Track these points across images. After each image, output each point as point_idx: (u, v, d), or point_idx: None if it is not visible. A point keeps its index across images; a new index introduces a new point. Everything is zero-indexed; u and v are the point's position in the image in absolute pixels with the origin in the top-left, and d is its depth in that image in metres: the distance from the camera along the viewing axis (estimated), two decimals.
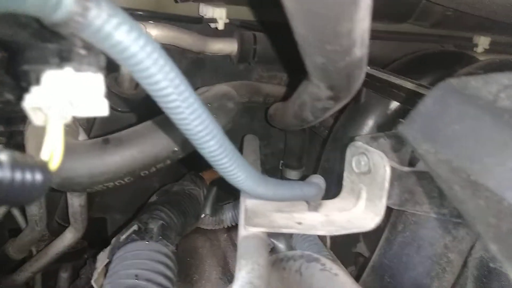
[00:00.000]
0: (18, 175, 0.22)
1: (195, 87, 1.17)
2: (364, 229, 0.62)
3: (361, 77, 0.55)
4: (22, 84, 0.27)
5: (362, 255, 1.08)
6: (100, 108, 0.28)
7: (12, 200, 0.23)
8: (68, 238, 1.09)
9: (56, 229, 1.13)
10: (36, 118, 0.27)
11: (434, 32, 1.40)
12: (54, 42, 0.26)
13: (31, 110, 0.25)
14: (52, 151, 0.26)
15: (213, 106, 0.72)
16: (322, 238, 0.88)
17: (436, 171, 0.35)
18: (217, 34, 1.17)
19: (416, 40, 1.40)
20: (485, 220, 0.29)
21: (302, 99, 0.69)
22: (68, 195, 0.99)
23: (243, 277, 0.49)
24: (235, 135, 1.33)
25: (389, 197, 0.62)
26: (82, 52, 0.26)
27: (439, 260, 0.73)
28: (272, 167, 1.56)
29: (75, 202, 1.00)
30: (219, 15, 1.11)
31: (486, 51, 1.49)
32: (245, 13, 1.20)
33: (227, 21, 1.12)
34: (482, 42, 1.46)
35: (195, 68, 1.28)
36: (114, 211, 1.30)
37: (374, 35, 1.35)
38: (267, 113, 1.19)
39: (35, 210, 1.04)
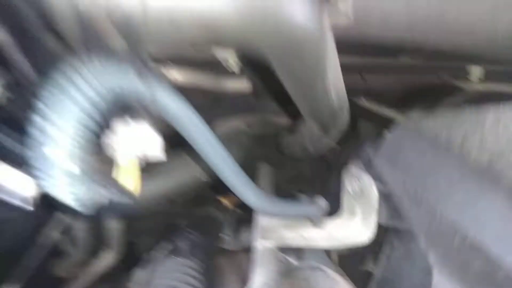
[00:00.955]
0: (124, 199, 0.37)
1: (214, 121, 1.33)
2: (359, 243, 0.74)
3: (345, 116, 0.69)
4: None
5: (371, 272, 1.18)
6: (158, 149, 0.43)
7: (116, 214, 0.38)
8: (106, 259, 1.23)
9: (97, 251, 1.28)
10: (120, 159, 0.42)
11: (429, 64, 1.52)
12: (126, 107, 0.41)
13: (118, 155, 0.40)
14: (134, 182, 0.41)
15: (230, 142, 0.87)
16: (329, 254, 0.99)
17: (394, 189, 0.49)
18: (232, 74, 1.34)
19: (413, 72, 1.53)
20: (421, 223, 0.42)
21: (303, 134, 0.83)
22: (108, 220, 1.14)
23: (259, 280, 0.62)
24: (251, 164, 1.48)
25: (379, 215, 0.74)
26: (143, 113, 0.42)
27: (431, 271, 0.84)
28: (285, 193, 1.69)
29: (114, 227, 1.15)
30: (233, 58, 1.27)
31: (481, 80, 1.59)
32: (257, 55, 1.36)
33: (241, 63, 1.28)
34: (476, 71, 1.57)
35: (214, 105, 1.45)
36: (144, 234, 1.45)
37: (372, 68, 1.49)
38: (278, 143, 1.33)
39: (81, 233, 1.19)
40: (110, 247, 1.22)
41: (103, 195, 0.36)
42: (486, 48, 1.20)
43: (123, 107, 0.42)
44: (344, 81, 0.90)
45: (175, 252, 0.94)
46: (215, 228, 1.13)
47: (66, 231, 1.24)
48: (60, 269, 1.27)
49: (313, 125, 0.67)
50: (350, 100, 1.03)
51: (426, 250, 0.41)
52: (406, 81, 1.44)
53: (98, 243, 1.28)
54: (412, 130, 0.52)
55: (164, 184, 0.77)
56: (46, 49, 0.33)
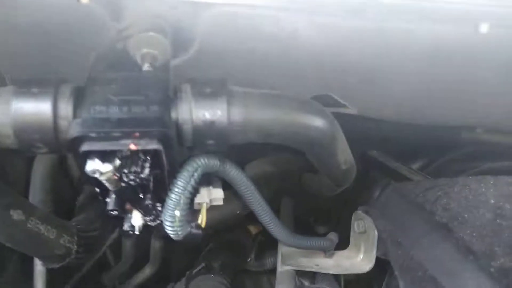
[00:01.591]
0: (195, 231, 0.59)
1: (244, 159, 1.55)
2: (361, 271, 0.93)
3: (352, 175, 0.89)
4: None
5: None
6: (220, 201, 0.65)
7: (190, 242, 0.60)
8: (147, 272, 1.44)
9: (138, 265, 1.50)
10: (196, 206, 0.64)
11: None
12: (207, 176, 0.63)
13: (197, 204, 0.62)
14: (203, 219, 0.63)
15: (261, 183, 1.09)
16: (338, 279, 1.18)
17: (382, 237, 0.68)
18: None
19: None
20: (397, 260, 0.62)
21: (318, 181, 1.04)
22: (152, 239, 1.36)
23: None
24: (277, 196, 1.68)
25: (378, 250, 0.93)
26: (216, 179, 0.64)
27: None
28: (304, 224, 1.88)
29: (157, 244, 1.37)
30: None
31: (487, 130, 1.76)
32: None
33: None
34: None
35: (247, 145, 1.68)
36: (177, 252, 1.66)
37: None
38: (300, 180, 1.54)
39: (129, 247, 1.41)
40: (151, 262, 1.43)
41: (189, 228, 0.58)
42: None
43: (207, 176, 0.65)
44: (360, 132, 1.11)
45: (207, 269, 1.14)
46: (242, 251, 1.33)
47: (114, 246, 1.47)
48: (105, 279, 1.49)
49: (327, 180, 0.88)
50: (363, 152, 1.24)
51: (398, 280, 0.60)
52: (415, 135, 1.63)
53: (141, 258, 1.50)
54: (398, 191, 0.72)
55: (213, 217, 0.99)
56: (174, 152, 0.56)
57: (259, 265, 1.35)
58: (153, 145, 0.50)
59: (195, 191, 0.62)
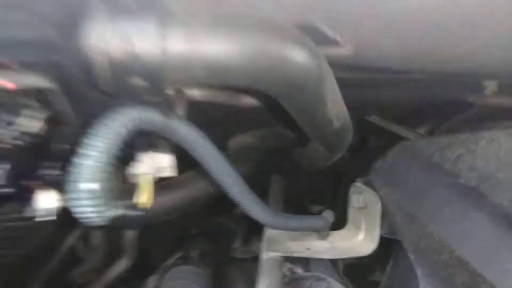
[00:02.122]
0: (131, 212, 0.42)
1: (229, 135, 1.38)
2: (362, 254, 0.76)
3: (349, 137, 0.72)
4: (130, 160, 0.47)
5: (377, 282, 1.19)
6: (172, 172, 0.48)
7: (129, 225, 0.43)
8: (121, 265, 1.28)
9: (112, 258, 1.34)
10: (133, 177, 0.47)
11: (442, 78, 1.53)
12: (148, 137, 0.46)
13: (136, 174, 0.45)
14: (148, 198, 0.46)
15: (240, 159, 0.92)
16: (335, 264, 1.02)
17: (388, 207, 0.52)
18: (247, 90, 1.39)
19: (427, 87, 1.55)
20: (411, 239, 0.45)
21: (311, 151, 0.87)
22: (124, 228, 1.20)
23: None
24: (267, 174, 1.52)
25: (382, 227, 0.76)
26: (162, 142, 0.46)
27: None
28: (298, 204, 1.72)
29: (129, 235, 1.21)
30: None
31: (495, 93, 1.60)
32: None
33: None
34: (490, 85, 1.58)
35: (229, 119, 1.50)
36: (158, 242, 1.50)
37: (385, 84, 1.51)
38: (291, 155, 1.37)
39: (98, 241, 1.25)
40: (125, 255, 1.27)
41: (118, 208, 0.41)
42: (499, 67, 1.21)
43: (146, 138, 0.47)
44: (357, 98, 0.94)
45: (185, 260, 0.98)
46: (226, 237, 1.17)
47: (84, 238, 1.30)
48: (77, 275, 1.33)
49: (319, 145, 0.71)
50: (361, 118, 1.07)
51: (414, 264, 0.44)
52: (419, 96, 1.46)
53: (114, 250, 1.34)
54: (408, 152, 0.55)
55: (176, 197, 0.82)
56: (84, 96, 0.38)
57: (246, 252, 1.20)
58: (42, 82, 0.32)
59: (128, 157, 0.45)
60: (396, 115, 1.23)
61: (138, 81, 0.39)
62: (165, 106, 0.44)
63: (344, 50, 0.62)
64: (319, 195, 1.61)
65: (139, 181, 0.46)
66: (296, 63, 0.43)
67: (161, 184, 0.82)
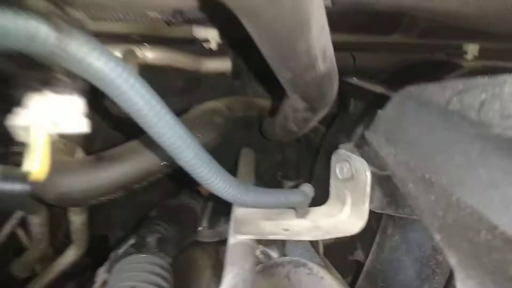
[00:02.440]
0: (9, 186, 0.26)
1: (192, 104, 1.21)
2: (349, 233, 0.64)
3: (334, 89, 0.58)
4: (9, 107, 0.30)
5: (360, 262, 1.09)
6: (81, 125, 0.31)
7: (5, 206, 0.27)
8: (70, 255, 1.12)
9: (59, 247, 1.16)
10: (23, 136, 0.30)
11: (423, 42, 1.43)
12: (37, 70, 0.30)
13: (15, 128, 0.29)
14: (41, 164, 0.30)
15: (201, 121, 0.76)
16: (315, 245, 0.90)
17: (395, 171, 0.38)
18: (211, 53, 1.22)
19: (407, 51, 1.44)
20: (433, 213, 0.32)
21: (285, 112, 0.73)
22: (70, 213, 1.03)
23: (228, 282, 0.52)
24: (234, 148, 1.37)
25: (372, 201, 0.64)
26: (63, 78, 0.30)
27: (428, 262, 0.75)
28: (270, 180, 1.59)
29: (77, 220, 1.03)
30: (211, 35, 1.15)
31: (476, 58, 1.52)
32: (238, 31, 1.25)
33: (220, 41, 1.17)
34: (471, 49, 1.49)
35: (191, 86, 1.33)
36: (116, 228, 1.33)
37: (364, 47, 1.40)
38: (261, 127, 1.23)
39: (38, 228, 1.07)
40: (74, 243, 1.10)
41: None
42: (481, 25, 1.11)
43: (33, 71, 0.30)
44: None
45: (139, 247, 0.82)
46: (190, 219, 1.02)
47: (23, 226, 1.12)
48: (18, 267, 1.15)
49: (297, 100, 0.56)
50: (340, 80, 0.93)
51: (444, 248, 0.31)
52: (398, 59, 1.35)
53: (60, 237, 1.16)
54: (415, 99, 0.42)
55: (124, 171, 0.66)
56: None
57: (214, 235, 1.05)
58: None
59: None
60: (377, 80, 1.11)
61: None
62: (58, 12, 0.27)
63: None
64: (293, 169, 1.48)
65: (25, 139, 0.30)
66: None
67: (97, 156, 0.66)
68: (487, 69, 1.14)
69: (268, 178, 1.60)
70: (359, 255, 1.10)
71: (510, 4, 0.90)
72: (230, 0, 0.33)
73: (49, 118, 0.30)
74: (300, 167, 1.46)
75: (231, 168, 1.38)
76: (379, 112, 0.45)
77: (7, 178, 0.26)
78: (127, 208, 1.30)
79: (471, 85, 0.43)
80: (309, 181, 1.18)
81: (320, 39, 0.40)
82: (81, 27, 0.32)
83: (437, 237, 0.31)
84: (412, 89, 0.44)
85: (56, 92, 0.30)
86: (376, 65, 1.41)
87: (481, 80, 0.44)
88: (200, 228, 1.06)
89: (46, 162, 0.30)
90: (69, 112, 0.30)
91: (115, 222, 1.32)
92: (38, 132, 0.30)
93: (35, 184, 0.28)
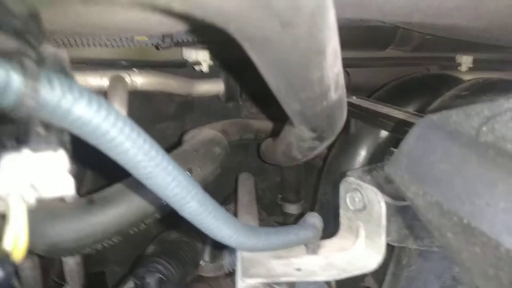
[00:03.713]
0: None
1: (185, 129, 1.17)
2: (366, 270, 0.59)
3: (343, 116, 0.55)
4: None
5: None
6: (65, 185, 0.27)
7: None
8: None
9: None
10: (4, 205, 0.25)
11: (417, 55, 1.42)
12: (9, 125, 0.25)
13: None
14: (15, 240, 0.25)
15: (200, 154, 0.71)
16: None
17: (427, 215, 0.34)
18: (203, 76, 1.19)
19: (401, 65, 1.42)
20: (483, 271, 0.28)
21: (288, 140, 0.68)
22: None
23: None
24: (230, 173, 1.32)
25: (388, 233, 0.59)
26: (41, 131, 0.25)
27: None
28: (270, 202, 1.54)
29: (70, 260, 0.97)
30: (202, 57, 1.12)
31: (470, 70, 1.51)
32: (229, 51, 1.21)
33: (211, 62, 1.13)
34: (465, 61, 1.48)
35: (184, 110, 1.29)
36: (112, 263, 1.26)
37: (358, 63, 1.37)
38: (259, 149, 1.18)
39: (30, 272, 1.00)
40: (69, 284, 1.03)
41: None
42: (477, 38, 1.09)
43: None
44: None
45: (140, 287, 0.77)
46: (191, 254, 0.97)
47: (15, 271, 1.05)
48: None
49: (304, 130, 0.52)
50: None
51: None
52: (393, 75, 1.33)
53: (54, 278, 1.09)
54: (440, 129, 0.38)
55: (119, 215, 0.61)
56: None
57: (217, 269, 1.00)
58: None
59: None
60: (375, 97, 1.08)
61: None
62: (29, 53, 0.23)
63: None
64: (293, 192, 1.43)
65: (1, 208, 0.25)
66: None
67: (88, 199, 0.60)
68: (487, 82, 1.11)
69: (267, 200, 1.55)
70: (369, 281, 1.05)
71: (505, 14, 0.88)
72: (236, 30, 0.29)
73: (26, 182, 0.25)
74: (300, 189, 1.41)
75: (230, 194, 1.33)
76: (400, 144, 0.40)
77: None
78: (123, 242, 1.24)
79: (497, 109, 0.39)
80: (312, 206, 1.14)
81: (334, 66, 0.37)
82: (60, 66, 0.27)
83: (478, 281, 0.27)
84: (434, 118, 0.40)
85: (34, 149, 0.25)
86: (371, 81, 1.39)
87: (506, 103, 0.41)
88: (201, 263, 1.00)
89: (24, 236, 0.25)
90: (50, 171, 0.26)
91: (111, 257, 1.26)
92: (15, 201, 0.25)
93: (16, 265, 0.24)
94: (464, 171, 0.34)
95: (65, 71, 0.27)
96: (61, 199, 0.64)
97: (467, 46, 1.38)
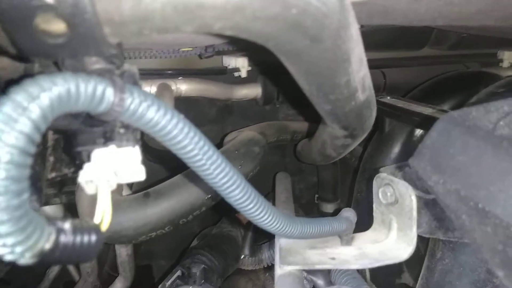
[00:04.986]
0: (78, 239, 0.28)
1: (226, 132, 1.24)
2: (398, 260, 0.63)
3: (373, 115, 0.59)
4: (76, 162, 0.33)
5: (408, 285, 1.05)
6: (139, 174, 0.34)
7: (74, 259, 0.29)
8: (118, 287, 1.14)
9: (107, 279, 1.20)
10: (88, 189, 0.33)
11: (455, 53, 1.41)
12: (99, 126, 0.32)
13: (84, 183, 0.31)
14: (103, 215, 0.32)
15: (240, 153, 0.78)
16: (361, 270, 0.88)
17: (445, 201, 0.38)
18: (241, 81, 1.26)
19: (438, 63, 1.42)
20: (492, 247, 0.31)
21: (323, 139, 0.73)
22: (116, 246, 1.06)
23: None
24: (268, 173, 1.38)
25: (419, 225, 0.62)
26: (122, 131, 0.32)
27: (484, 287, 0.71)
28: (307, 202, 1.58)
29: (123, 252, 1.07)
30: (241, 64, 1.19)
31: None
32: (266, 56, 1.27)
33: (249, 68, 1.20)
34: (508, 57, 1.45)
35: (224, 114, 1.37)
36: (159, 257, 1.36)
37: (394, 63, 1.38)
38: (296, 150, 1.23)
39: (87, 262, 1.11)
40: (121, 275, 1.14)
41: (50, 237, 0.27)
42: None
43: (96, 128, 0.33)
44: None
45: (186, 278, 0.84)
46: (232, 248, 1.03)
47: None
48: None
49: (336, 128, 0.57)
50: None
51: (493, 267, 0.30)
52: (430, 74, 1.33)
53: (108, 270, 1.20)
54: (460, 124, 0.41)
55: (171, 207, 0.68)
56: None
57: (256, 263, 1.05)
58: None
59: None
60: (410, 97, 1.09)
61: (57, 27, 0.25)
62: (115, 71, 0.30)
63: None
64: (330, 191, 1.47)
65: (92, 191, 0.32)
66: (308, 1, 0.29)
67: (144, 193, 0.68)
68: None
69: (304, 200, 1.59)
70: (406, 278, 1.06)
71: None
72: (274, 46, 0.35)
73: (111, 171, 0.32)
74: (337, 189, 1.45)
75: (268, 193, 1.39)
76: (424, 139, 0.44)
77: (81, 231, 0.28)
78: (169, 237, 1.33)
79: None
80: (348, 204, 1.17)
81: (359, 71, 0.41)
82: (134, 79, 0.34)
83: (500, 274, 0.30)
84: (455, 114, 0.44)
85: (117, 145, 0.32)
86: (407, 80, 1.39)
87: None
88: (242, 257, 1.07)
89: (108, 212, 0.32)
90: (128, 162, 0.32)
91: (158, 251, 1.35)
92: (103, 185, 0.32)
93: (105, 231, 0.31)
94: (480, 162, 0.37)
95: (137, 83, 0.34)
96: (120, 193, 0.73)
97: (506, 42, 1.35)
